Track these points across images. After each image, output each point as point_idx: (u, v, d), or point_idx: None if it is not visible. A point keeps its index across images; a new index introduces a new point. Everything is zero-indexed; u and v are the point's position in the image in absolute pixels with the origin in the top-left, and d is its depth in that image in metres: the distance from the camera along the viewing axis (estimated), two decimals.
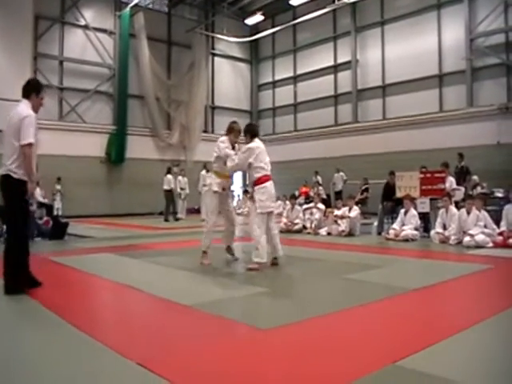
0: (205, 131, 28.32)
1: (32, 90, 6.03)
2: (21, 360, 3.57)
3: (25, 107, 5.84)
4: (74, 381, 3.14)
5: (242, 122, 25.16)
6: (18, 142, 5.62)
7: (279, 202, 22.21)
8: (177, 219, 19.69)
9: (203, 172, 19.92)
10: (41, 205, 15.30)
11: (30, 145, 5.58)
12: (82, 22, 24.18)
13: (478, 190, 15.14)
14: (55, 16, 23.31)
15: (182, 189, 20.69)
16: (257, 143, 7.69)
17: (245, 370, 3.32)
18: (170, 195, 19.81)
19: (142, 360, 3.41)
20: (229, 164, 7.68)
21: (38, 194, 17.70)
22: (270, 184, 7.55)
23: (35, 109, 6.01)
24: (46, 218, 13.30)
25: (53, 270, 7.14)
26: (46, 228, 12.77)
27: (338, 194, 21.10)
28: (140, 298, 5.67)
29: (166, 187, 19.84)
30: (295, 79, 28.87)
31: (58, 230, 12.57)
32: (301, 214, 14.36)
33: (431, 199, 12.60)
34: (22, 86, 6.07)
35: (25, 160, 5.60)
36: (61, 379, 3.18)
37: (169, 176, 19.92)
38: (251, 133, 7.82)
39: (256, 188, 7.53)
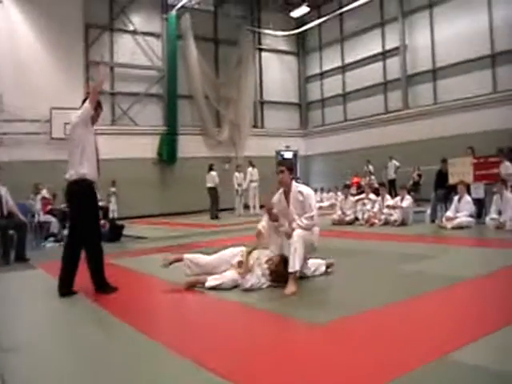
0: (254, 126, 28.46)
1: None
2: (80, 360, 3.76)
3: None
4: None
5: (292, 115, 25.36)
6: (79, 140, 6.04)
7: (331, 193, 22.27)
8: (217, 217, 19.54)
9: (249, 169, 20.72)
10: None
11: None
12: (131, 28, 24.62)
13: None
14: (104, 23, 23.80)
15: (239, 185, 20.87)
16: None
17: (304, 364, 3.39)
18: (214, 193, 19.84)
19: (202, 361, 3.49)
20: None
21: None
22: None
23: (94, 120, 6.37)
24: (103, 221, 13.66)
25: (112, 271, 7.31)
26: (104, 231, 13.10)
27: (392, 183, 20.90)
28: (197, 298, 5.76)
29: (209, 185, 19.82)
30: (343, 69, 28.56)
31: (114, 233, 12.91)
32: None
33: (486, 184, 12.34)
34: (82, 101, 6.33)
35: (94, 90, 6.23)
36: (121, 382, 3.30)
37: (212, 173, 19.91)
38: (294, 172, 6.97)
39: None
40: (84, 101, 6.27)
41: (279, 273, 5.91)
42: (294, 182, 6.43)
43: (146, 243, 12.28)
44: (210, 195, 19.89)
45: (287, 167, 6.42)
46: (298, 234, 5.84)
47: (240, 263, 6.01)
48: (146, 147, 23.95)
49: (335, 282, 6.09)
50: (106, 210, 15.73)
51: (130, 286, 6.56)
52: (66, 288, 6.00)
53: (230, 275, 5.94)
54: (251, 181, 20.63)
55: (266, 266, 5.97)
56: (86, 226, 6.06)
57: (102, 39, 23.76)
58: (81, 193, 6.04)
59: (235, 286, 5.87)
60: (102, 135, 21.62)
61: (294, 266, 5.68)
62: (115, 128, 23.19)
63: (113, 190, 21.52)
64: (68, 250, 6.12)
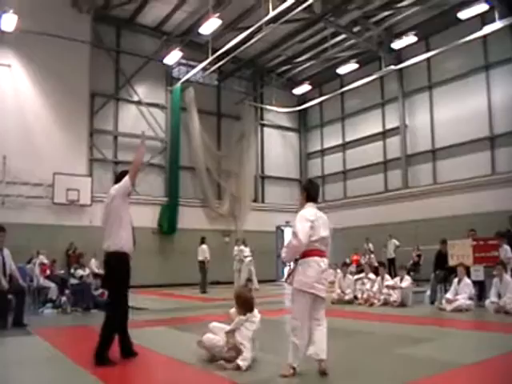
0: (254, 201, 28.59)
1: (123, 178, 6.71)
2: None
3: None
4: None
5: (292, 191, 25.56)
6: (115, 213, 6.41)
7: (330, 270, 22.09)
8: (204, 292, 19.49)
9: (242, 246, 20.82)
10: (95, 275, 15.73)
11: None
12: (135, 98, 25.12)
13: None
14: (110, 93, 24.35)
15: (245, 257, 20.80)
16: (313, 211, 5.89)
17: None
18: (204, 266, 19.80)
19: None
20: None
21: (93, 265, 18.13)
22: (321, 260, 5.76)
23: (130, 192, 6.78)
24: (101, 290, 13.61)
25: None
26: (102, 300, 13.03)
27: (391, 262, 20.83)
28: (195, 377, 5.72)
29: (200, 258, 19.82)
30: (344, 147, 29.01)
31: None
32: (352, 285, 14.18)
33: (486, 267, 12.32)
34: (117, 175, 6.98)
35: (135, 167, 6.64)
36: None
37: (203, 246, 19.91)
38: (308, 192, 6.06)
39: (300, 261, 5.78)
40: (121, 174, 6.76)
41: (243, 300, 6.28)
42: (306, 204, 5.94)
43: (146, 315, 12.18)
44: (200, 268, 19.86)
45: (303, 187, 6.24)
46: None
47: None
48: (147, 217, 23.93)
49: (331, 365, 5.88)
50: (104, 278, 15.61)
51: (130, 360, 6.43)
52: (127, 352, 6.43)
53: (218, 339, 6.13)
54: (245, 256, 20.59)
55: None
56: (116, 297, 6.43)
57: (107, 108, 24.26)
58: (117, 265, 6.40)
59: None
60: (103, 203, 21.96)
61: (289, 359, 5.56)
62: None
63: None
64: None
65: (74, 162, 21.64)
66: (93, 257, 18.56)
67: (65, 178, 20.84)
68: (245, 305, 6.20)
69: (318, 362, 5.61)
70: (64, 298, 12.86)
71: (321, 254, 5.75)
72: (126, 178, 6.52)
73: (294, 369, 5.51)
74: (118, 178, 6.77)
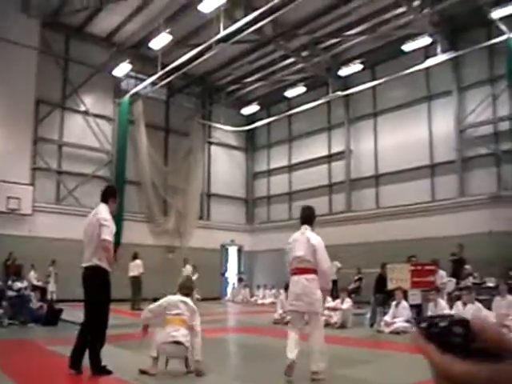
0: (200, 218, 28.49)
1: (109, 195, 7.08)
2: None
3: (103, 209, 6.80)
4: None
5: (238, 210, 25.52)
6: (98, 238, 6.52)
7: (274, 290, 22.27)
8: (139, 309, 18.68)
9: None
10: (34, 288, 15.39)
11: (105, 240, 6.50)
12: (82, 108, 24.75)
13: (470, 280, 15.20)
14: (56, 101, 23.89)
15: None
16: (294, 235, 6.99)
17: None
18: (137, 282, 19.03)
19: None
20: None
21: (33, 277, 17.71)
22: (296, 280, 6.64)
23: (112, 210, 6.99)
24: (40, 304, 13.35)
25: (49, 359, 7.12)
26: (41, 313, 12.79)
27: (333, 283, 21.02)
28: None
29: (133, 273, 19.00)
30: (290, 168, 29.36)
31: (51, 316, 12.56)
32: None
33: (423, 291, 12.67)
34: (101, 192, 7.19)
35: (104, 252, 6.57)
36: None
37: (137, 261, 19.30)
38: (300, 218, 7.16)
39: None
40: (107, 191, 7.20)
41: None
42: None
43: None
44: (132, 284, 18.99)
45: None
46: None
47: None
48: None
49: None
50: (43, 290, 15.32)
51: (68, 378, 6.35)
52: (75, 363, 6.45)
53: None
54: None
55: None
56: (96, 310, 6.62)
57: (53, 116, 23.75)
58: (93, 279, 6.64)
59: None
60: (44, 213, 21.55)
61: None
62: (59, 207, 22.78)
63: (51, 269, 20.42)
64: (83, 330, 6.71)
65: (15, 169, 21.03)
66: (32, 268, 18.15)
67: (5, 186, 20.28)
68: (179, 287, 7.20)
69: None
70: (1, 311, 12.53)
71: (299, 272, 6.51)
72: (103, 231, 6.56)
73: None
74: (104, 195, 7.07)
